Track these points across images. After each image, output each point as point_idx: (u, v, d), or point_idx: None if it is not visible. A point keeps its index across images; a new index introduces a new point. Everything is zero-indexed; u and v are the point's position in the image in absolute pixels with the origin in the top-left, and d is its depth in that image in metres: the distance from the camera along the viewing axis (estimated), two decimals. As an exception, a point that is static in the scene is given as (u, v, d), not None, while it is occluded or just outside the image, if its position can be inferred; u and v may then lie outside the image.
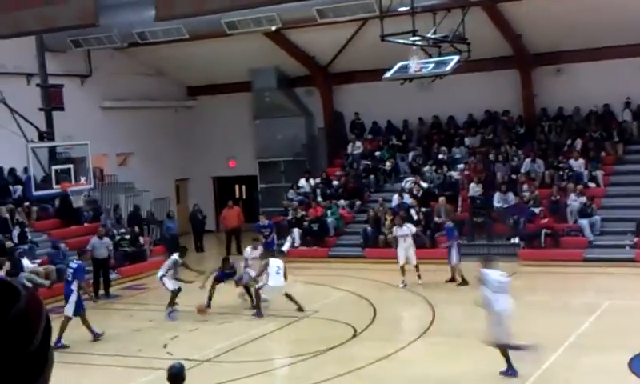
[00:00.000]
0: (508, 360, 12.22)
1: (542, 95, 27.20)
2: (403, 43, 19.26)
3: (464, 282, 19.27)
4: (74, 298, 15.89)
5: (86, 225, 24.15)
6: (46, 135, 24.71)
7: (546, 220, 22.69)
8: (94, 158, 24.39)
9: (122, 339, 16.46)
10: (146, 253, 24.30)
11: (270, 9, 21.11)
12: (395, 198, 25.17)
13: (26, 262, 20.54)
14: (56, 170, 22.81)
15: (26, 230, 22.42)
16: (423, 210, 24.22)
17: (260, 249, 19.12)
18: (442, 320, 16.57)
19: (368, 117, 29.61)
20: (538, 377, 12.54)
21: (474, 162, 26.01)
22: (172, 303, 17.80)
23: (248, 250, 19.11)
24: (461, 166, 26.23)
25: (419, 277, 19.70)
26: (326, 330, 16.30)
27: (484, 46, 23.56)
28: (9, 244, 21.16)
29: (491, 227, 23.77)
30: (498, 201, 24.11)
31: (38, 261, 21.17)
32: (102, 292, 21.15)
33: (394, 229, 20.92)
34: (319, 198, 26.91)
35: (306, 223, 25.54)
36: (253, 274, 17.93)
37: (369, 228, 24.58)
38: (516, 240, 23.03)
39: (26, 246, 21.60)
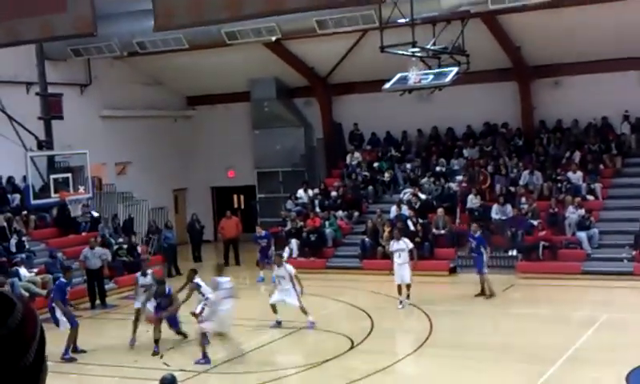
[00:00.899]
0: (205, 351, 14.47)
1: (540, 107, 27.21)
2: (403, 54, 19.28)
3: (491, 295, 19.28)
4: (58, 313, 15.53)
5: (84, 234, 24.11)
6: (45, 144, 24.71)
7: (544, 232, 22.68)
8: (93, 167, 24.34)
9: (118, 349, 16.39)
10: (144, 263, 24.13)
11: (269, 19, 21.10)
12: (393, 209, 25.12)
13: (23, 271, 20.52)
14: (54, 179, 22.81)
15: (24, 238, 22.42)
16: (421, 221, 24.21)
17: (150, 274, 17.12)
18: (439, 332, 16.51)
19: (367, 128, 29.60)
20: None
21: (477, 173, 25.81)
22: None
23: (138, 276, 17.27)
24: (459, 177, 26.22)
25: (408, 296, 18.93)
26: (323, 341, 16.25)
27: (483, 57, 23.62)
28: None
29: (489, 239, 23.71)
30: (496, 213, 24.08)
31: (35, 270, 21.13)
32: (97, 302, 21.15)
33: (391, 242, 20.23)
34: (317, 209, 26.88)
35: (304, 234, 25.51)
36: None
37: (367, 239, 24.53)
38: (514, 252, 23.00)
39: (23, 255, 21.60)
